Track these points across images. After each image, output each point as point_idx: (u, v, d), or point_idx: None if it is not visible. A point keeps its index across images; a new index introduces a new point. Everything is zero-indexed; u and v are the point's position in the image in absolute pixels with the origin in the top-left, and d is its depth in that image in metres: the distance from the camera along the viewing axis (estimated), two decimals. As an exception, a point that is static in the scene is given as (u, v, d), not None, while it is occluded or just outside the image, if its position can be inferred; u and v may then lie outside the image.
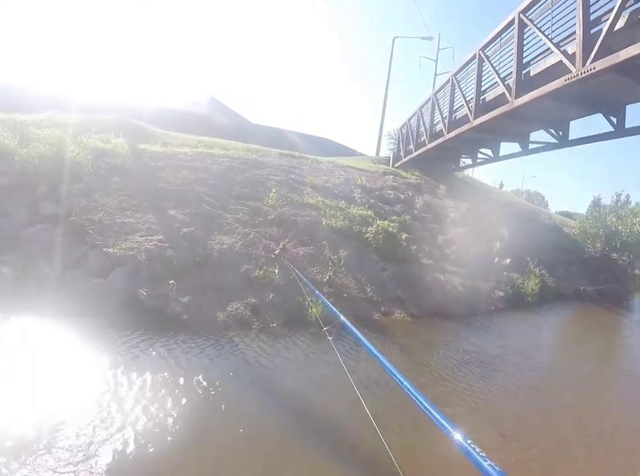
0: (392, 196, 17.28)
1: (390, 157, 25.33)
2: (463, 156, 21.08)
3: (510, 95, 10.44)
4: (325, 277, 10.06)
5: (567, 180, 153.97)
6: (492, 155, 17.28)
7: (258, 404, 5.63)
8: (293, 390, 6.22)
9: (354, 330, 4.19)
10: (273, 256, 9.91)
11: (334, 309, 5.30)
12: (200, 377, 5.96)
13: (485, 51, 12.12)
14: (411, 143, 21.64)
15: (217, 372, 6.23)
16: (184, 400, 5.33)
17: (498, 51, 11.56)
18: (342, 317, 4.66)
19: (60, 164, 10.14)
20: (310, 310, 8.54)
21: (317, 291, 7.00)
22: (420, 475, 4.55)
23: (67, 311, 7.02)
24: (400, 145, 24.21)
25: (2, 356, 5.79)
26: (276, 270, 9.57)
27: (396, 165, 23.41)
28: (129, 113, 17.41)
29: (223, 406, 5.38)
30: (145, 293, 7.97)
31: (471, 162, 20.49)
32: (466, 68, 14.10)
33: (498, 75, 11.22)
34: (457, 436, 2.12)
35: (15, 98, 18.29)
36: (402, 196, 17.59)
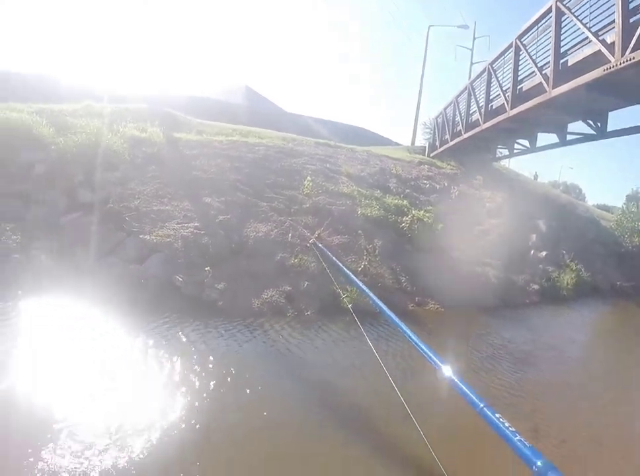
0: (427, 185, 17.12)
1: (425, 147, 25.08)
2: (499, 146, 20.72)
3: (548, 85, 10.20)
4: (360, 267, 9.99)
5: (606, 173, 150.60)
6: (529, 146, 16.90)
7: (285, 390, 5.64)
8: (322, 377, 6.20)
9: (370, 293, 4.21)
10: (308, 244, 9.91)
11: (355, 278, 5.31)
12: (230, 362, 6.03)
13: (522, 40, 11.88)
14: (447, 132, 21.35)
15: (246, 358, 6.31)
16: (211, 384, 5.40)
17: (535, 40, 11.31)
18: (361, 284, 4.70)
19: (97, 152, 10.31)
20: (343, 300, 8.53)
21: (339, 263, 6.99)
22: (456, 460, 4.46)
23: (104, 295, 7.14)
24: (436, 135, 23.87)
25: (39, 336, 5.99)
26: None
27: (431, 155, 23.10)
28: (164, 102, 17.62)
29: (248, 391, 5.41)
30: (181, 280, 8.04)
31: (507, 153, 20.11)
32: (503, 57, 13.83)
33: (535, 64, 10.98)
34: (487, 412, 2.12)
35: (50, 89, 18.61)
36: (438, 186, 17.40)
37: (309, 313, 8.34)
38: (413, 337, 3.90)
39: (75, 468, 3.78)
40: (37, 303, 6.87)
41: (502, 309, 11.16)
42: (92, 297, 7.06)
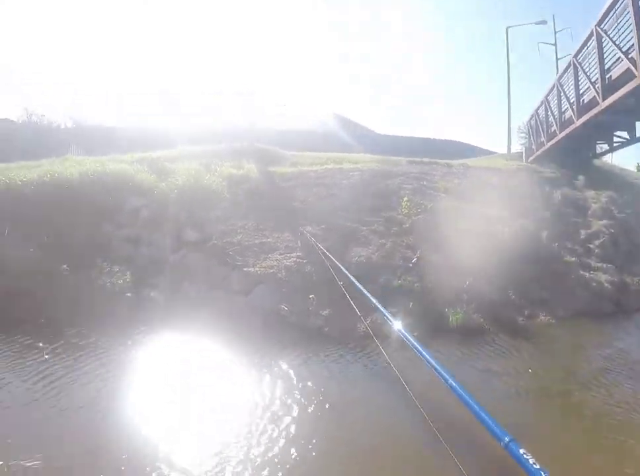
0: (528, 192, 16.57)
1: (522, 152, 24.28)
2: (598, 142, 19.77)
3: (636, 69, 9.55)
4: (465, 283, 9.75)
5: None
6: (628, 137, 15.98)
7: (384, 413, 5.64)
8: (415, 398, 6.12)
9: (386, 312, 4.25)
10: (411, 265, 9.79)
11: (371, 296, 5.32)
12: (340, 389, 6.13)
13: (602, 27, 11.33)
14: (542, 134, 20.52)
15: (356, 384, 6.42)
16: (316, 406, 5.54)
17: (615, 24, 10.72)
18: (376, 301, 4.76)
19: (197, 193, 10.89)
20: (450, 319, 8.40)
21: (357, 283, 6.97)
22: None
23: (212, 328, 7.49)
24: (531, 138, 23.04)
25: (155, 367, 6.45)
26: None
27: (529, 160, 22.20)
28: (257, 138, 18.22)
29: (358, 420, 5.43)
30: (286, 309, 8.21)
31: (607, 148, 19.18)
32: (586, 47, 13.29)
33: (620, 49, 10.39)
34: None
35: (151, 139, 19.82)
36: (539, 192, 16.76)
37: (416, 334, 8.21)
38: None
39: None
40: (150, 337, 7.39)
41: (615, 316, 10.35)
42: (201, 330, 7.44)
